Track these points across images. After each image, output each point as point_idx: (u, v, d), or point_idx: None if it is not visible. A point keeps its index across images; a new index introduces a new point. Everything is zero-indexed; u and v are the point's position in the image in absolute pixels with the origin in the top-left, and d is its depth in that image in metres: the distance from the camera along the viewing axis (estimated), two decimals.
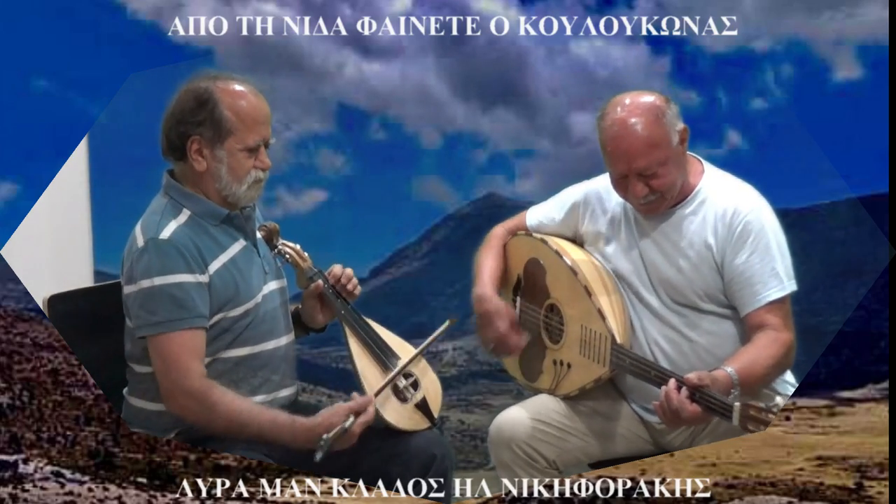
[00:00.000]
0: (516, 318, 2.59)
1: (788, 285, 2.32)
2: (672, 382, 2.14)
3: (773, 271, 2.31)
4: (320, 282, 2.40)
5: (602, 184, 2.54)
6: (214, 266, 2.24)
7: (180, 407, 2.19)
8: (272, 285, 2.36)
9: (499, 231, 2.72)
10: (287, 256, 2.39)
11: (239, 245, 2.31)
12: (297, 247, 2.41)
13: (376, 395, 2.30)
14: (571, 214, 2.59)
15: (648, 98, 2.31)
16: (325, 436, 2.10)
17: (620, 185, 2.35)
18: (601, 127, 2.33)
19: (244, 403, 2.19)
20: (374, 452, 2.33)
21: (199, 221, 2.26)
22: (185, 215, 2.26)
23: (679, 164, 2.34)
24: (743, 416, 2.03)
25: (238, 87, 2.24)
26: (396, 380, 2.36)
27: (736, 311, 2.36)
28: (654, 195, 2.32)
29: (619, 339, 2.35)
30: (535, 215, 2.68)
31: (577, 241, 2.60)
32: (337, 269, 2.43)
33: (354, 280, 2.44)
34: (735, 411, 2.04)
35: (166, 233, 2.21)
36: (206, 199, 2.28)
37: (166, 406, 2.22)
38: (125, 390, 2.35)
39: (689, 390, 2.12)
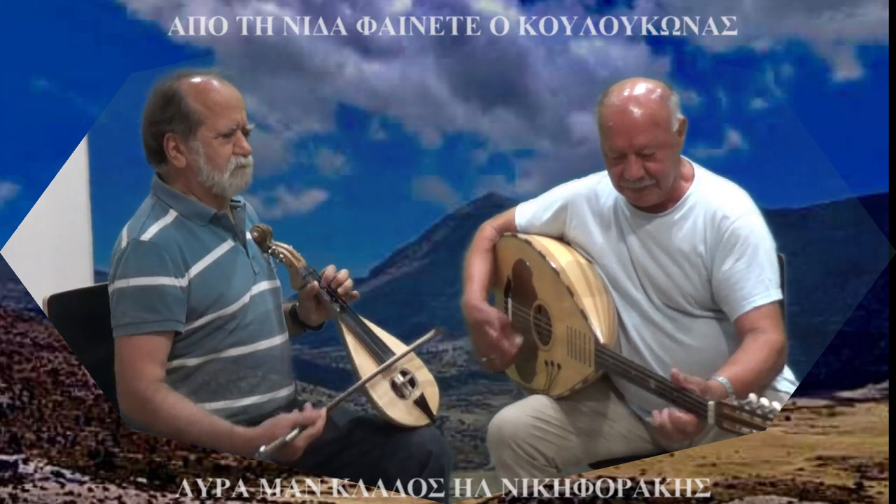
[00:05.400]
0: (507, 323, 2.56)
1: (776, 294, 2.30)
2: (663, 414, 2.10)
3: (759, 276, 2.29)
4: (315, 283, 2.40)
5: (593, 184, 2.53)
6: (197, 268, 2.24)
7: (127, 408, 2.21)
8: (263, 286, 2.36)
9: (488, 231, 2.70)
10: (281, 257, 2.39)
11: (226, 246, 2.31)
12: (290, 247, 2.41)
13: (355, 388, 2.28)
14: (559, 215, 2.58)
15: (652, 83, 2.32)
16: (262, 448, 2.08)
17: (616, 166, 2.33)
18: (604, 105, 2.32)
19: (185, 409, 2.17)
20: (371, 450, 2.33)
21: (186, 222, 2.26)
22: (171, 216, 2.26)
23: (676, 154, 2.34)
24: (718, 414, 2.00)
25: (201, 79, 2.26)
26: (393, 376, 2.35)
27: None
28: (650, 181, 2.31)
29: (602, 340, 2.34)
30: (523, 214, 2.66)
31: (565, 240, 2.59)
32: (329, 271, 2.41)
33: (348, 283, 2.41)
34: (710, 410, 2.02)
35: (148, 234, 2.21)
36: (194, 198, 2.28)
37: (119, 405, 2.23)
38: None
39: (665, 386, 2.10)
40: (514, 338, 2.54)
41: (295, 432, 2.12)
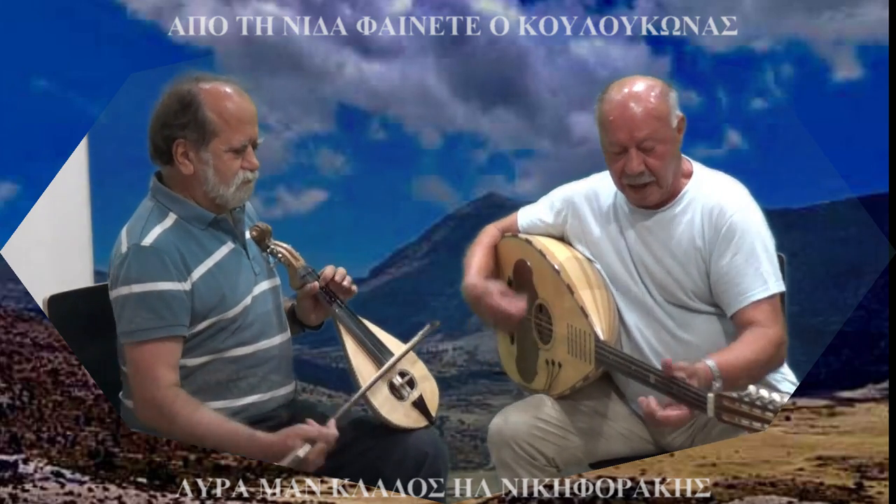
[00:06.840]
0: (504, 289, 2.55)
1: (775, 286, 2.30)
2: (650, 401, 2.12)
3: (757, 271, 2.30)
4: (314, 283, 2.39)
5: (593, 184, 2.55)
6: (199, 272, 2.23)
7: (145, 415, 2.20)
8: (263, 285, 2.35)
9: (491, 229, 2.72)
10: (280, 256, 2.38)
11: (227, 248, 2.30)
12: (289, 246, 2.41)
13: (360, 395, 2.28)
14: (560, 215, 2.60)
15: (651, 80, 2.35)
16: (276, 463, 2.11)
17: (617, 162, 2.34)
18: (604, 101, 2.34)
19: (205, 416, 2.17)
20: (368, 451, 2.33)
21: (185, 226, 2.25)
22: (170, 219, 2.24)
23: (675, 152, 2.35)
24: (717, 406, 2.00)
25: (221, 88, 2.23)
26: (392, 377, 2.35)
27: None
28: (650, 177, 2.32)
29: (602, 336, 2.35)
30: (526, 216, 2.68)
31: (566, 240, 2.60)
32: (328, 270, 2.41)
33: (349, 278, 2.40)
34: (709, 402, 2.02)
35: (149, 239, 2.20)
36: (194, 202, 2.26)
37: (136, 413, 2.23)
38: (121, 393, 2.34)
39: (664, 380, 2.11)
40: (515, 296, 2.53)
41: (307, 448, 2.13)
